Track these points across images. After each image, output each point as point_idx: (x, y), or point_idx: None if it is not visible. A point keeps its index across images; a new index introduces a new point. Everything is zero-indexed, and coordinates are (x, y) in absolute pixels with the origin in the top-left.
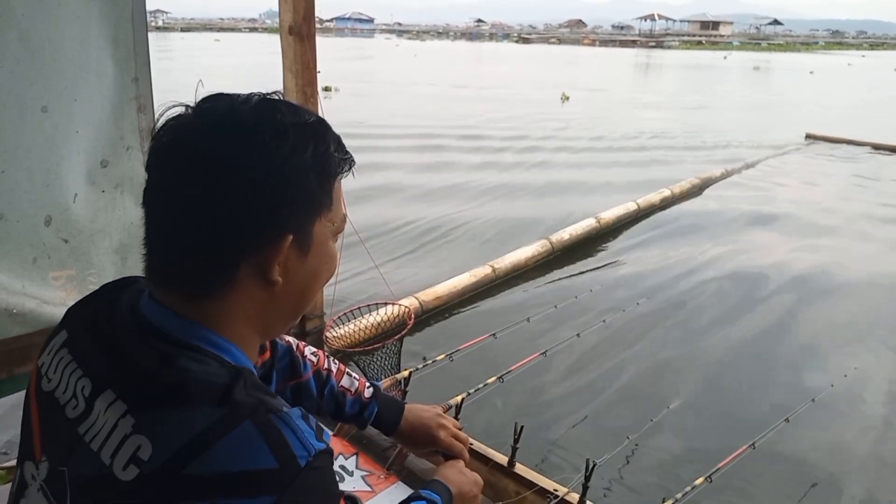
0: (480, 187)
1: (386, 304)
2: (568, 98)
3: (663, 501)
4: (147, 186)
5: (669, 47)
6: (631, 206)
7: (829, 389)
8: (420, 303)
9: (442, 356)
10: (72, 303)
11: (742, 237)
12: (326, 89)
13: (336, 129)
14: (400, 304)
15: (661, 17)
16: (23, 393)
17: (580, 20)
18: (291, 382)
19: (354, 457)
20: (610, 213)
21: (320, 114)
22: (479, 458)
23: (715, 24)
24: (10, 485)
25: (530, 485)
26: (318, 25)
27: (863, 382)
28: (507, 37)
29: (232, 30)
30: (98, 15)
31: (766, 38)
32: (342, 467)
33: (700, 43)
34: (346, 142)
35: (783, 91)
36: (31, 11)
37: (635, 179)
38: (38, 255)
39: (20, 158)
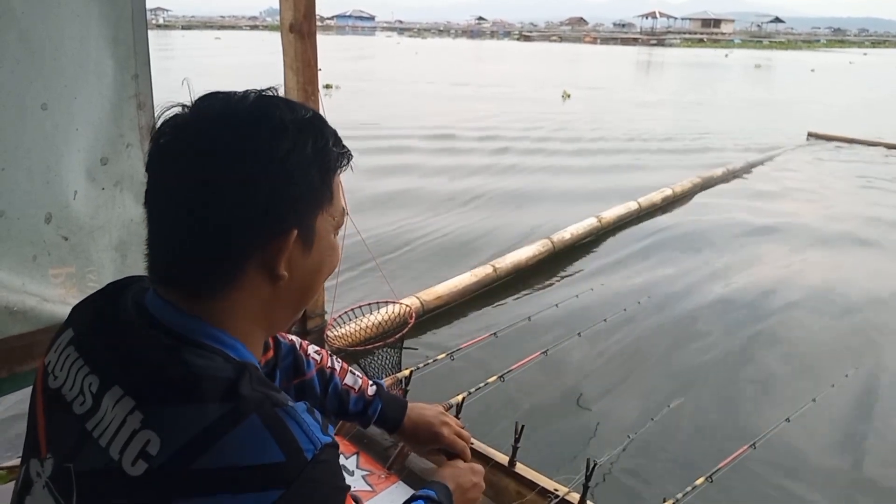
0: (494, 192)
1: (387, 303)
2: (569, 96)
3: (664, 501)
4: (148, 187)
5: (671, 45)
6: (632, 206)
7: (830, 389)
8: (421, 302)
9: (443, 355)
10: (72, 300)
11: (742, 240)
12: (327, 87)
13: (337, 130)
14: (401, 304)
15: (662, 14)
16: (22, 392)
17: (581, 18)
18: (295, 381)
19: (355, 456)
20: (611, 213)
21: (321, 112)
22: (479, 458)
23: (716, 22)
24: (10, 484)
25: (531, 485)
26: (318, 23)
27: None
28: (508, 35)
29: (233, 27)
30: (98, 14)
31: (767, 35)
32: (343, 467)
33: (701, 41)
34: (351, 143)
35: (785, 89)
36: (31, 10)
37: (636, 179)
38: (38, 253)
39: (20, 156)
